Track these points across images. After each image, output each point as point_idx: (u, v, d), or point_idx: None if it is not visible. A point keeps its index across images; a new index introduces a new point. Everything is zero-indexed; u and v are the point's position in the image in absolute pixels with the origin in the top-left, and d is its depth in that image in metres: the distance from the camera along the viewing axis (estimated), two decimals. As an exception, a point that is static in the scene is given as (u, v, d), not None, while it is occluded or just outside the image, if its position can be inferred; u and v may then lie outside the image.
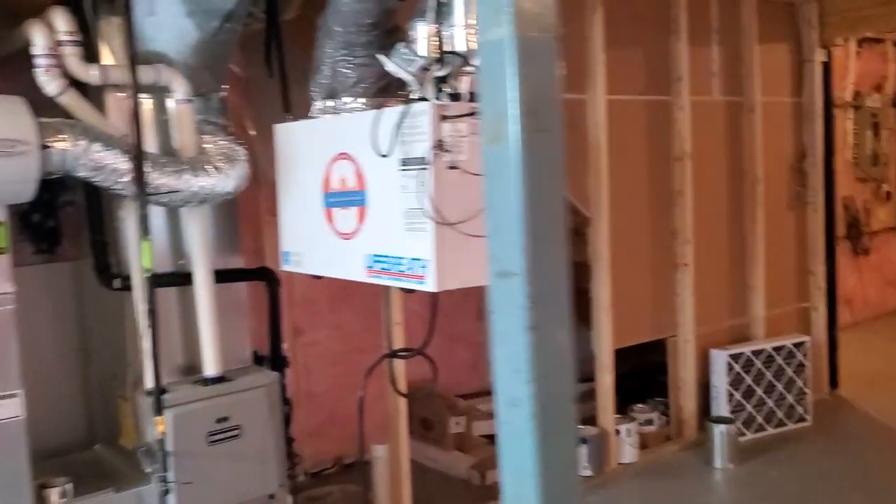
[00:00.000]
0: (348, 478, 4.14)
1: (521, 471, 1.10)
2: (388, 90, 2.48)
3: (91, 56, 2.56)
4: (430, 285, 2.08)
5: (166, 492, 2.50)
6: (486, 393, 4.71)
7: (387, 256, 2.21)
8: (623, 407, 4.23)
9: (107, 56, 2.65)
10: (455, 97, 2.05)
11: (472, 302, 4.71)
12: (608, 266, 3.92)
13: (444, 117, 2.03)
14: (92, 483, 2.64)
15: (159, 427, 2.48)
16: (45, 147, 2.23)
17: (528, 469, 1.08)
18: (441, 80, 2.03)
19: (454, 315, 4.50)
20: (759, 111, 4.59)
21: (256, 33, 2.95)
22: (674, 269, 4.33)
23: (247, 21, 2.78)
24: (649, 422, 4.36)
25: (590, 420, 4.29)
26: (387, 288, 3.00)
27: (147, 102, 2.68)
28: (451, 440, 4.25)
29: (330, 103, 2.59)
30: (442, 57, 2.03)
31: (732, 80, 4.55)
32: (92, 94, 2.60)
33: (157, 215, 2.69)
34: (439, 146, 2.01)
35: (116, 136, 2.44)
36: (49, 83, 2.41)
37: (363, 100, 2.46)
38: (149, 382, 2.63)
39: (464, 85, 2.07)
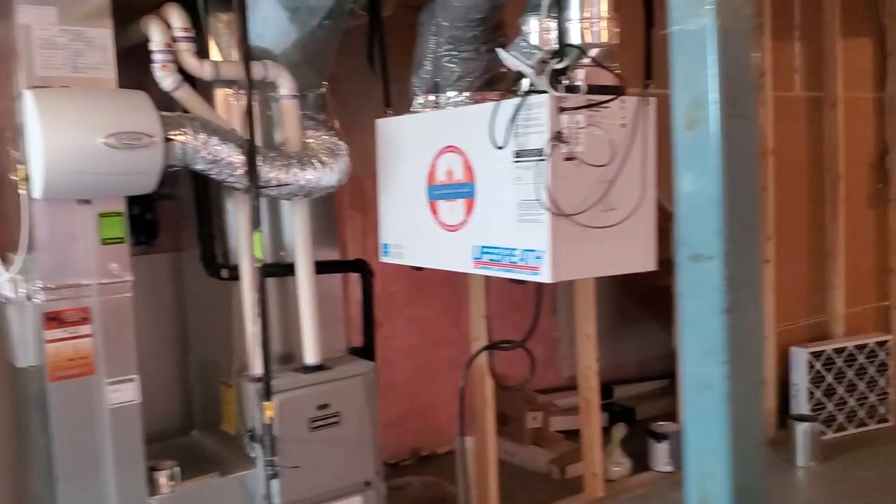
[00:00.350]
0: (425, 469, 4.19)
1: (709, 451, 1.12)
2: (491, 84, 2.52)
3: (201, 52, 2.64)
4: (545, 276, 2.11)
5: (274, 475, 2.57)
6: (561, 388, 4.75)
7: (497, 248, 2.25)
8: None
9: (214, 52, 2.73)
10: (571, 89, 2.07)
11: (546, 298, 4.73)
12: (691, 262, 3.90)
13: (563, 109, 2.05)
14: (195, 467, 2.71)
15: (268, 412, 2.54)
16: (168, 140, 2.31)
17: (717, 449, 1.11)
18: (559, 73, 2.06)
19: (529, 310, 4.52)
20: (841, 107, 4.53)
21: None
22: (754, 266, 4.29)
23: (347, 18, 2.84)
24: (728, 419, 4.33)
25: (668, 416, 4.29)
26: (484, 279, 3.01)
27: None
28: (528, 435, 4.27)
29: (431, 98, 2.64)
30: (561, 50, 2.06)
31: (814, 75, 4.50)
32: (199, 89, 2.68)
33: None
34: (557, 137, 2.04)
35: (231, 131, 2.51)
36: (165, 78, 2.49)
37: (467, 93, 2.50)
38: (255, 369, 2.71)
39: (581, 77, 2.09)
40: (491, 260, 2.28)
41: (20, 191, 2.23)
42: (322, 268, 2.89)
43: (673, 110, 1.17)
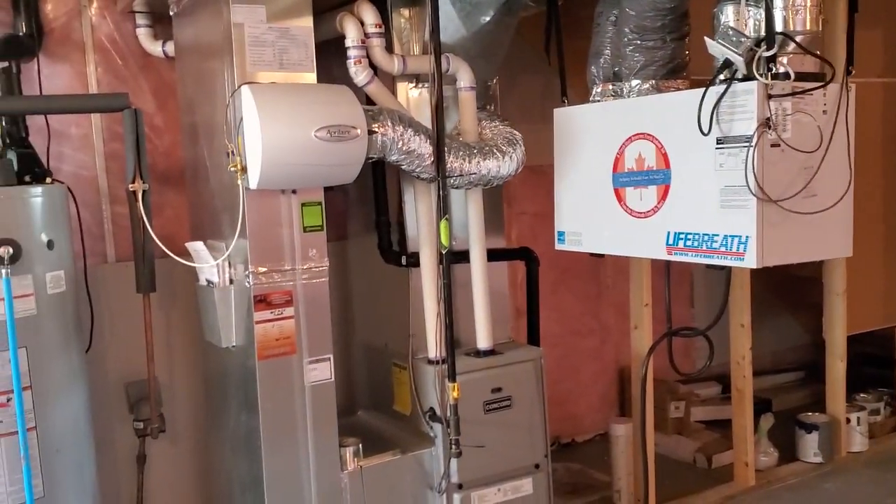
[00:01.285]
0: (567, 456, 4.24)
1: None
2: (675, 73, 2.54)
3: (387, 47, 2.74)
4: (750, 262, 2.13)
5: (458, 454, 2.66)
6: (697, 379, 4.72)
7: (695, 234, 2.28)
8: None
9: (396, 46, 2.83)
10: (779, 76, 2.09)
11: (685, 289, 4.72)
12: (843, 251, 3.84)
13: (770, 96, 2.07)
14: (369, 446, 2.82)
15: (454, 393, 2.63)
16: (370, 133, 2.42)
17: None
18: (767, 61, 2.08)
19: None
20: None
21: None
22: (905, 256, 4.19)
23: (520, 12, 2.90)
24: (875, 412, 4.26)
25: (806, 408, 4.24)
26: (664, 266, 2.96)
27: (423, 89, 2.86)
28: (670, 424, 4.28)
29: (611, 86, 2.68)
30: (769, 38, 2.07)
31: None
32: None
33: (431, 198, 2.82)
34: (766, 124, 2.06)
35: (419, 123, 2.61)
36: (359, 73, 2.61)
37: (652, 82, 2.53)
38: (431, 352, 2.81)
39: (786, 64, 2.11)
40: (686, 245, 2.31)
41: (237, 181, 2.37)
42: (491, 255, 2.97)
43: None
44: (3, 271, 2.27)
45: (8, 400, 2.34)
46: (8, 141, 2.66)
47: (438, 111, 2.55)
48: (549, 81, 3.81)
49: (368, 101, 2.69)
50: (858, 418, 4.06)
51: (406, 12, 2.81)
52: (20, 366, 2.33)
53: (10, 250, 2.28)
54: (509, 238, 4.13)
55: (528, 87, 3.75)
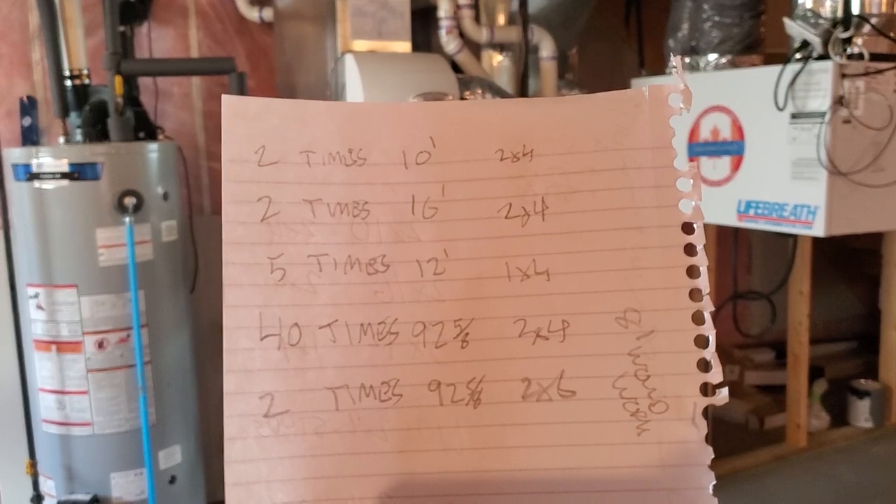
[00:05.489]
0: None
1: None
2: (750, 49, 2.67)
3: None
4: (818, 230, 2.28)
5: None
6: (749, 346, 4.87)
7: (765, 202, 2.43)
8: None
9: (483, 17, 2.99)
10: (854, 57, 2.22)
11: (743, 256, 4.83)
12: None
13: (844, 75, 2.20)
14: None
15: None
16: (462, 100, 2.60)
17: None
18: (843, 42, 2.20)
19: (723, 268, 4.67)
20: None
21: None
22: (965, 230, 4.26)
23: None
24: (927, 381, 4.36)
25: (859, 377, 4.35)
26: (730, 233, 3.14)
27: (506, 58, 3.01)
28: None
29: (688, 60, 2.81)
30: (846, 20, 2.20)
31: None
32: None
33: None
34: (839, 101, 2.19)
35: (507, 91, 2.78)
36: (450, 42, 2.77)
37: (728, 57, 2.66)
38: None
39: (860, 44, 2.23)
40: (757, 213, 2.46)
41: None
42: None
43: None
44: (127, 219, 2.50)
45: (128, 336, 2.59)
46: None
47: (524, 80, 2.71)
48: (617, 49, 3.95)
49: (455, 68, 2.86)
50: (910, 387, 4.17)
51: (493, -16, 2.96)
52: (139, 306, 2.58)
53: (135, 200, 2.52)
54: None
55: (596, 55, 3.88)
